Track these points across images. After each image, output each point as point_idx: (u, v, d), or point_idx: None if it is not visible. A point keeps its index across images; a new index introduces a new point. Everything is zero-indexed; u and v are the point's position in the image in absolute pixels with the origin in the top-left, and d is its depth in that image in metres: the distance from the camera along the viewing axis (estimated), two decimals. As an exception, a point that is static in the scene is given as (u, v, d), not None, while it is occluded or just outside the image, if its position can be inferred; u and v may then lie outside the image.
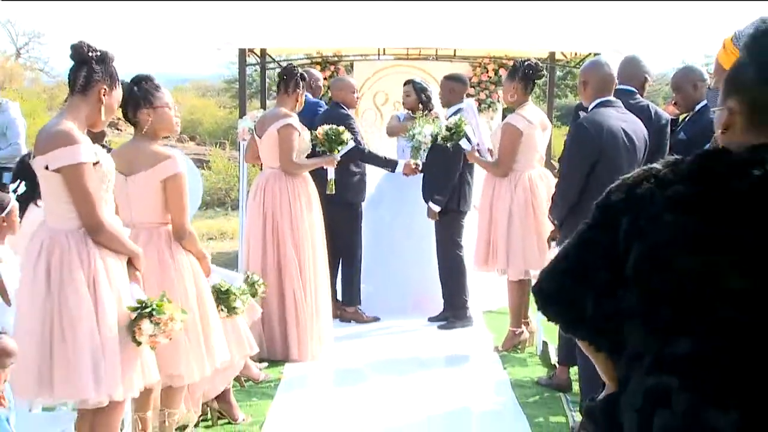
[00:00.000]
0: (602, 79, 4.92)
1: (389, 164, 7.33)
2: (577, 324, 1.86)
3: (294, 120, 6.29)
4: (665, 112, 5.47)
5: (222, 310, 4.65)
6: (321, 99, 8.03)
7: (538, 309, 1.96)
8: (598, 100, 4.87)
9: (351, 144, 6.73)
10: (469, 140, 6.75)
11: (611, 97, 4.90)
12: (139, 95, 4.28)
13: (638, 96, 5.41)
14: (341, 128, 6.64)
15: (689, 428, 1.65)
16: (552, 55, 9.59)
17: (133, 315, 3.70)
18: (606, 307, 1.78)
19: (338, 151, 6.65)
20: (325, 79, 8.73)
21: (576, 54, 8.37)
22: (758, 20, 1.89)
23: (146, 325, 3.71)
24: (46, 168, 3.60)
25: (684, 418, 1.65)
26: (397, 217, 7.52)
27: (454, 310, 7.24)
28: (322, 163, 6.62)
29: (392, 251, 7.54)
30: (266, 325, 6.12)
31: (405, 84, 7.76)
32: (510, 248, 6.39)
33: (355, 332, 7.09)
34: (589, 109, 4.88)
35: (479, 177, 7.01)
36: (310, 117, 6.92)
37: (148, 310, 3.74)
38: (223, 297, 4.70)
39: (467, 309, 7.26)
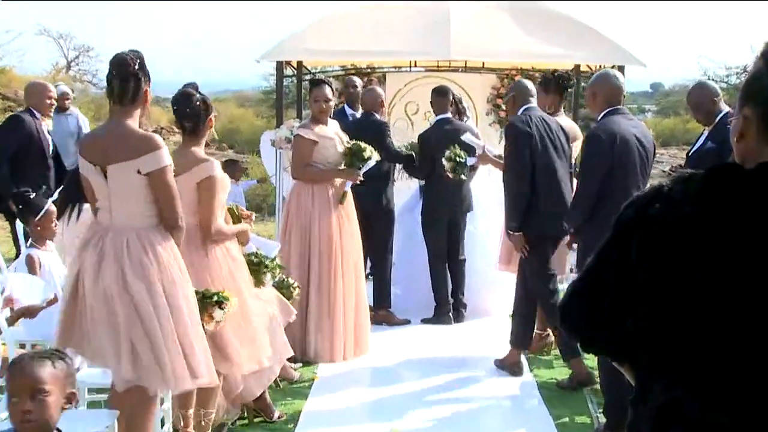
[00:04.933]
0: (611, 90, 4.94)
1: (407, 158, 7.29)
2: (594, 342, 1.83)
3: (304, 130, 6.20)
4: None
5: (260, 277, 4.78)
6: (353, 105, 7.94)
7: (561, 326, 1.94)
8: (608, 109, 4.90)
9: (373, 162, 6.38)
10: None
11: (619, 106, 4.95)
12: (210, 106, 4.39)
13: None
14: (364, 145, 6.34)
15: None
16: (577, 67, 9.47)
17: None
18: (620, 328, 1.73)
19: (360, 168, 6.31)
20: (363, 86, 8.54)
21: (601, 66, 8.24)
22: None
23: (217, 312, 3.85)
24: (138, 172, 3.61)
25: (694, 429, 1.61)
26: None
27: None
28: (343, 177, 6.31)
29: (422, 256, 7.46)
30: (301, 327, 6.07)
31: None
32: None
33: (386, 334, 7.03)
34: (598, 119, 4.93)
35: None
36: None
37: (216, 299, 3.86)
38: (254, 268, 4.75)
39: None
